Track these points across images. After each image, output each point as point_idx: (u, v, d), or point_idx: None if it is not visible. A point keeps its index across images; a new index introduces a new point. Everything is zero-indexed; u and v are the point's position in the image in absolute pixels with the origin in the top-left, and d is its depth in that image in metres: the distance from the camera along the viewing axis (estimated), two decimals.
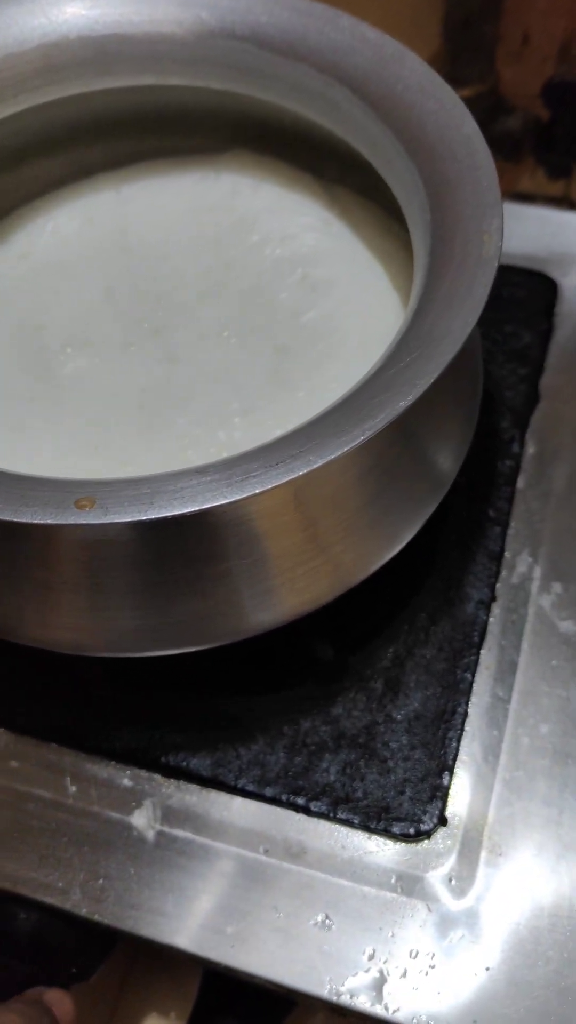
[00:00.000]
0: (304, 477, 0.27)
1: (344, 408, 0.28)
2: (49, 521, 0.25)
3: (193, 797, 0.37)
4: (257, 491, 0.25)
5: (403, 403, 0.27)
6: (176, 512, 0.25)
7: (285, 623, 0.33)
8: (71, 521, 0.25)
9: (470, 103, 0.68)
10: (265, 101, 0.38)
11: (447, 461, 0.36)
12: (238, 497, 0.25)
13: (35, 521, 0.25)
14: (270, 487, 0.25)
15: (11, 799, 0.38)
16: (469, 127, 0.33)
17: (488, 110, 0.68)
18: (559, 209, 0.56)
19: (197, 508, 0.25)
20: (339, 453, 0.26)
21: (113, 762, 0.38)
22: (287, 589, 0.32)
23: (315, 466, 0.26)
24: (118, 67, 0.39)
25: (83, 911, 0.36)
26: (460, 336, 0.28)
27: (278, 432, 0.28)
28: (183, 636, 0.32)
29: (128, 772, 0.38)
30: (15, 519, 0.25)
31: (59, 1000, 0.37)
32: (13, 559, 0.31)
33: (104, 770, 0.38)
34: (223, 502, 0.25)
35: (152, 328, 0.40)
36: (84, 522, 0.25)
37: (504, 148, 0.67)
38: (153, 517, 0.25)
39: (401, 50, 0.35)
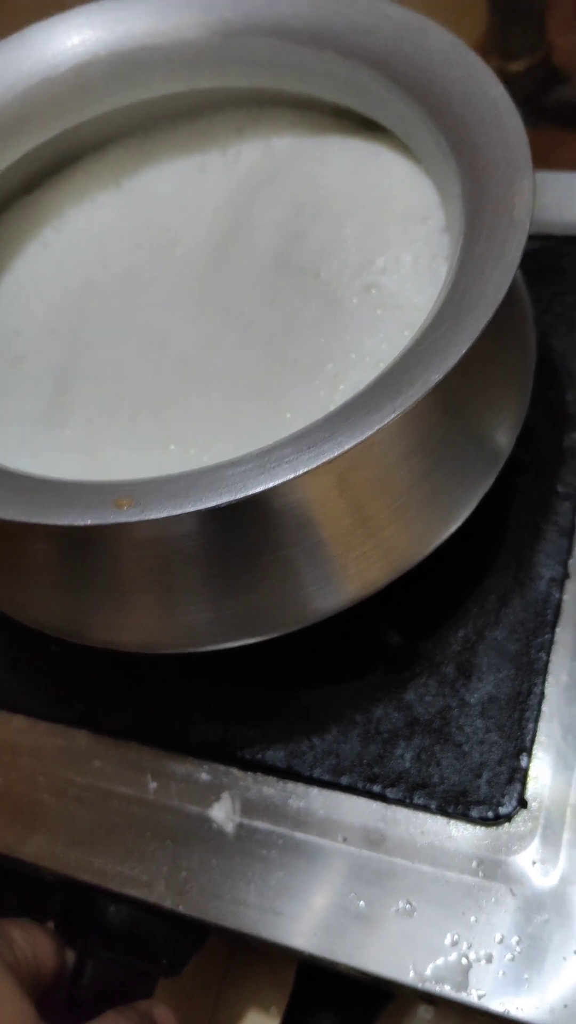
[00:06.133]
0: (342, 460, 0.27)
1: (378, 387, 0.27)
2: (90, 522, 0.26)
3: (270, 789, 0.38)
4: (290, 477, 0.26)
5: (436, 376, 0.26)
6: (211, 504, 0.25)
7: (343, 609, 0.33)
8: (111, 520, 0.26)
9: (524, 76, 0.67)
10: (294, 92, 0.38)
11: (500, 437, 0.35)
12: (271, 484, 0.26)
13: (76, 523, 0.26)
14: (302, 472, 0.25)
15: (95, 797, 0.39)
16: (495, 90, 0.33)
17: (543, 81, 0.66)
18: None
19: (232, 498, 0.25)
20: (370, 433, 0.26)
21: (191, 758, 0.39)
22: (341, 575, 0.32)
23: (347, 447, 0.26)
24: (148, 78, 0.39)
25: (167, 903, 0.36)
26: (493, 302, 0.28)
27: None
28: (250, 626, 0.32)
29: (206, 767, 0.39)
30: (58, 522, 0.26)
31: (165, 1017, 0.38)
32: (78, 565, 0.32)
33: (182, 766, 0.39)
34: (256, 491, 0.25)
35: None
36: (123, 520, 0.26)
37: (561, 117, 0.65)
38: (189, 510, 0.25)
39: (423, 22, 0.35)
